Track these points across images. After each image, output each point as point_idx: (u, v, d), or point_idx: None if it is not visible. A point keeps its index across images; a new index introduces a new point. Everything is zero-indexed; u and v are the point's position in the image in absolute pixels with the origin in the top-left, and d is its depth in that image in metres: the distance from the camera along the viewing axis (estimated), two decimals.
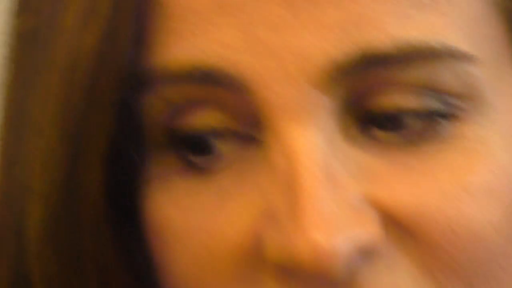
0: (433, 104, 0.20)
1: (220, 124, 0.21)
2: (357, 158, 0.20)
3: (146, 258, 0.22)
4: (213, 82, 0.20)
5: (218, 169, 0.21)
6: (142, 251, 0.22)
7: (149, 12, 0.20)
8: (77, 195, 0.21)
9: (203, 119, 0.21)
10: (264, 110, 0.19)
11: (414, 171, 0.20)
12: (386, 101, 0.20)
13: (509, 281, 0.21)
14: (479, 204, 0.20)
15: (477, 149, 0.20)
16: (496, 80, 0.21)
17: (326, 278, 0.18)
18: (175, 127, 0.21)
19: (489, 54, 0.21)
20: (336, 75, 0.19)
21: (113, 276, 0.22)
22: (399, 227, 0.20)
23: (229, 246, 0.20)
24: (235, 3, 0.19)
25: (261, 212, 0.20)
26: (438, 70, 0.20)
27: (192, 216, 0.21)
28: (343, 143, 0.20)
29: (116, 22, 0.20)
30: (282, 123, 0.19)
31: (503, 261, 0.21)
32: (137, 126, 0.21)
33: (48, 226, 0.21)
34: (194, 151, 0.21)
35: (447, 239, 0.20)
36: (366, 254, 0.19)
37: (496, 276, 0.21)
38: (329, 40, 0.19)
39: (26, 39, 0.22)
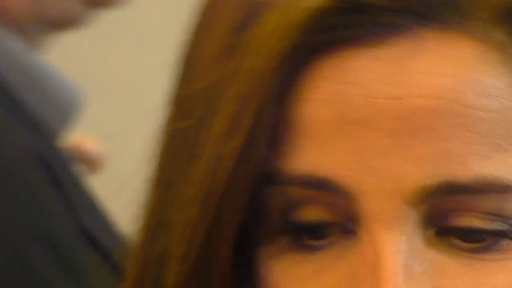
0: (499, 226, 0.26)
1: (327, 217, 0.27)
2: (432, 258, 0.26)
3: None
4: (325, 188, 0.26)
5: (321, 248, 0.27)
6: None
7: (281, 127, 0.27)
8: (209, 263, 0.27)
9: (314, 212, 0.27)
10: (364, 215, 0.26)
11: (476, 273, 0.26)
12: (461, 220, 0.26)
13: None
14: None
15: None
16: None
17: None
18: (291, 216, 0.27)
19: None
20: (424, 196, 0.26)
21: None
22: None
23: None
24: (352, 129, 0.26)
25: None
26: (506, 201, 0.26)
27: (295, 282, 0.27)
28: (422, 246, 0.26)
29: (255, 134, 0.26)
30: (376, 227, 0.26)
31: None
32: (262, 212, 0.27)
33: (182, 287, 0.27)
34: (303, 233, 0.27)
35: None
36: None
37: None
38: (421, 169, 0.26)
39: (177, 137, 0.28)
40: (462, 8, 0.27)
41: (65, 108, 0.58)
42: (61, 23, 0.55)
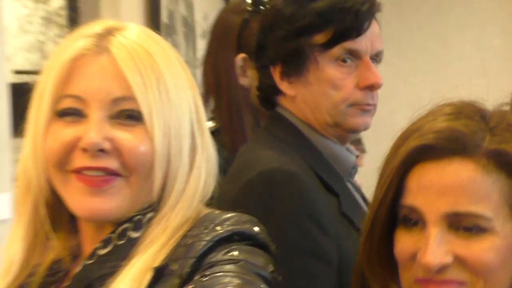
0: (478, 226, 0.62)
1: (417, 218, 0.64)
2: (450, 239, 0.62)
3: None
4: (416, 211, 0.63)
5: (414, 229, 0.66)
6: None
7: (402, 187, 0.65)
8: (372, 240, 0.69)
9: (414, 216, 0.65)
10: (427, 222, 0.62)
11: (468, 243, 0.62)
12: (463, 223, 0.62)
13: None
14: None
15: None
16: (501, 222, 0.63)
17: None
18: (407, 216, 0.66)
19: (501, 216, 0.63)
20: (448, 217, 0.62)
21: None
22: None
23: None
24: (426, 191, 0.63)
25: None
26: (479, 219, 0.62)
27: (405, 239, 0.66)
28: (447, 235, 0.62)
29: (390, 189, 0.66)
30: (430, 226, 0.62)
31: None
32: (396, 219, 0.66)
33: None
34: (411, 224, 0.66)
35: None
36: None
37: None
38: (448, 207, 0.62)
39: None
40: (468, 150, 0.64)
41: (350, 169, 1.01)
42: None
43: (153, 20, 2.14)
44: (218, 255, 0.61)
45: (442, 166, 0.64)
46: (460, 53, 3.68)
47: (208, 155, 0.71)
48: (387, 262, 0.69)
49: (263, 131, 1.05)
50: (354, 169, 1.03)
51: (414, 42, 3.59)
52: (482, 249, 0.63)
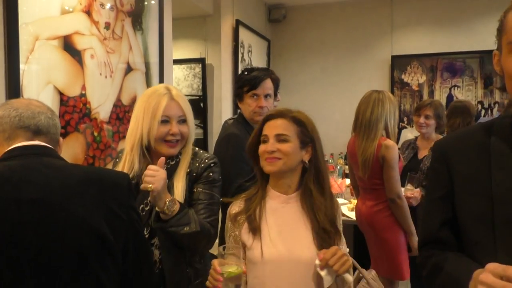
0: (286, 138, 1.71)
1: None
2: (275, 143, 1.69)
3: None
4: (266, 137, 1.73)
5: None
6: None
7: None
8: None
9: None
10: (269, 138, 1.71)
11: (282, 144, 1.71)
12: (281, 137, 1.72)
13: None
14: None
15: None
16: (293, 138, 1.69)
17: None
18: None
19: None
20: (276, 135, 1.71)
21: None
22: None
23: None
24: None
25: None
26: (286, 137, 1.70)
27: None
28: (275, 141, 1.71)
29: None
30: (270, 139, 1.70)
31: None
32: None
33: None
34: None
35: None
36: None
37: None
38: (276, 132, 1.71)
39: None
40: (284, 116, 1.70)
41: None
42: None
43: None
44: (205, 172, 1.82)
45: (275, 120, 1.67)
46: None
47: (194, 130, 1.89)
48: (256, 155, 1.71)
49: (236, 117, 2.64)
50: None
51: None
52: (286, 146, 1.63)
